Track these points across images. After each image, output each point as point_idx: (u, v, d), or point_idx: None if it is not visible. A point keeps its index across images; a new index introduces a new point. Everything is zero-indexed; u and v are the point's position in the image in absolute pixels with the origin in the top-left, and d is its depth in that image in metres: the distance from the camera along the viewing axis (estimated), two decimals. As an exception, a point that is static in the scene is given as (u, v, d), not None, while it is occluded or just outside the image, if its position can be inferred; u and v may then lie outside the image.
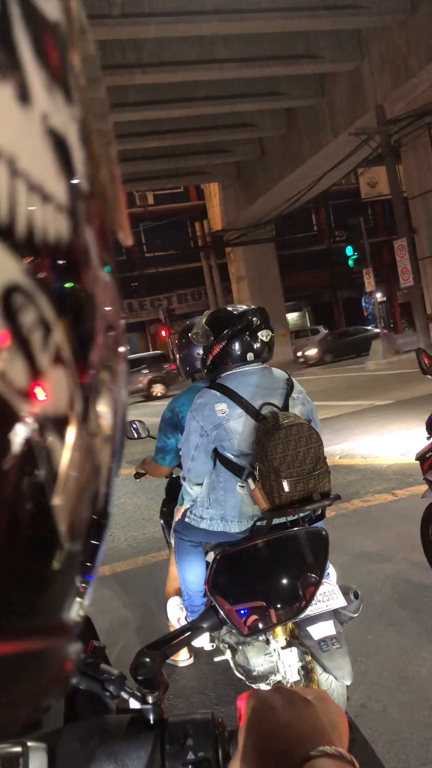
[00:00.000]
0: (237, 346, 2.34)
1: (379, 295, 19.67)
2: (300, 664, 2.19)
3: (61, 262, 0.26)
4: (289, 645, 2.18)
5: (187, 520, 2.46)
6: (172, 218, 31.22)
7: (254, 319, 2.36)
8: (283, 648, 2.18)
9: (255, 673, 2.22)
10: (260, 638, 2.23)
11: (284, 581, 0.73)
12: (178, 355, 2.99)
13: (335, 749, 0.46)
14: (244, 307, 2.45)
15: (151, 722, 0.63)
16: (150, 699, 0.64)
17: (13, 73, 0.23)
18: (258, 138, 21.31)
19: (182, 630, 0.71)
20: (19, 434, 0.23)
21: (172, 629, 2.77)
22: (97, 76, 0.31)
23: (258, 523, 2.26)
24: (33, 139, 0.24)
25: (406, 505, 4.67)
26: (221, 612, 0.69)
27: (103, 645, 0.76)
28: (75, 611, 0.29)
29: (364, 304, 35.40)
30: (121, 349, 0.33)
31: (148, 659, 0.66)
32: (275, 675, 2.23)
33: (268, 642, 2.21)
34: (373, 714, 2.36)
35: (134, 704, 0.66)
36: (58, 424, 0.25)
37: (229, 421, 2.26)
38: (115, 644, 3.21)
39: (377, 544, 4.01)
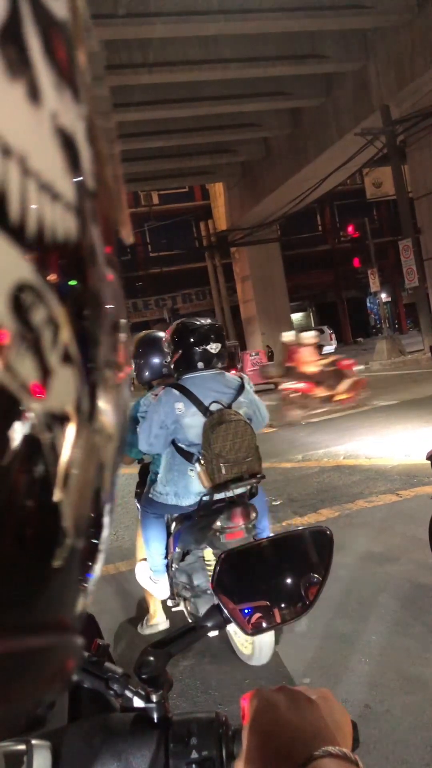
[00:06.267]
0: (190, 355, 2.79)
1: (384, 296, 19.63)
2: None
3: (69, 260, 0.26)
4: None
5: (150, 495, 2.96)
6: (177, 218, 31.21)
7: (205, 334, 2.79)
8: None
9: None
10: (209, 591, 2.49)
11: (288, 581, 0.73)
12: (135, 363, 3.21)
13: (339, 749, 0.46)
14: (203, 321, 2.88)
15: (155, 721, 0.63)
16: (154, 697, 0.64)
17: (23, 72, 0.23)
18: (263, 138, 21.28)
19: (186, 629, 0.71)
20: (26, 430, 0.23)
21: (146, 593, 3.20)
22: (100, 74, 0.31)
23: (204, 498, 2.72)
24: (43, 138, 0.24)
25: (410, 506, 4.66)
26: (225, 611, 0.69)
27: (108, 643, 0.75)
28: (77, 608, 0.30)
29: (369, 304, 35.34)
30: (125, 347, 0.33)
31: (152, 658, 0.66)
32: None
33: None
34: (376, 715, 2.36)
35: (138, 703, 0.66)
36: (64, 421, 0.25)
37: (184, 418, 2.71)
38: (120, 643, 3.22)
39: (381, 545, 4.00)
